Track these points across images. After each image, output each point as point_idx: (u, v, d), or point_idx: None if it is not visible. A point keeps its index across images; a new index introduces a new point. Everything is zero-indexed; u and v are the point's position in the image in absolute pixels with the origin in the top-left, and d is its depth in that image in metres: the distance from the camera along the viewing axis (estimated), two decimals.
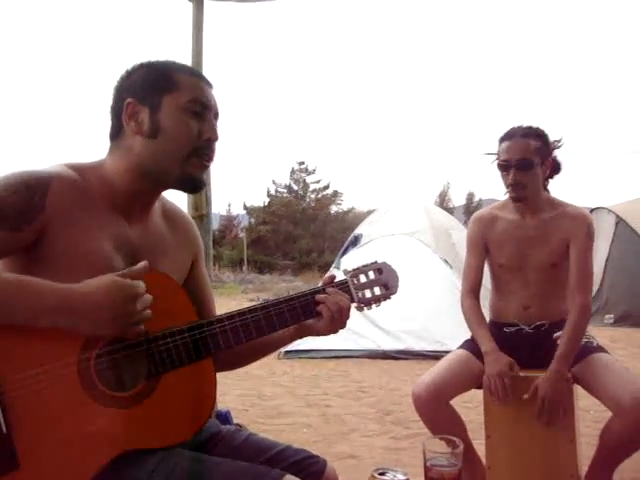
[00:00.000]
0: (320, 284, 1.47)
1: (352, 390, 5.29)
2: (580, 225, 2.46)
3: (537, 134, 2.47)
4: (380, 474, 1.09)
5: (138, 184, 1.35)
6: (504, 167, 2.45)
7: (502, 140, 2.49)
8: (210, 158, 1.39)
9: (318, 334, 1.44)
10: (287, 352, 7.14)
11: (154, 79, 1.35)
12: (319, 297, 1.40)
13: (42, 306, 1.15)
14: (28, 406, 1.15)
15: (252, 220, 39.43)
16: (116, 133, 1.37)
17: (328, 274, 1.51)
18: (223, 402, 3.83)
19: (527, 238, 2.49)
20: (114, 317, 1.16)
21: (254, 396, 5.11)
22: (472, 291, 2.59)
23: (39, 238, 1.23)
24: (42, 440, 1.16)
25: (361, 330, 7.10)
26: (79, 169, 1.32)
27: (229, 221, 41.05)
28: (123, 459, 1.19)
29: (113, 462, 1.19)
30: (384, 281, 1.46)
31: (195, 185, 1.38)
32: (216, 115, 1.41)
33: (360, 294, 1.44)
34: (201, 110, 1.35)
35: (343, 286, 1.43)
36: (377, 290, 1.46)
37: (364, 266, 1.47)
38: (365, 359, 6.79)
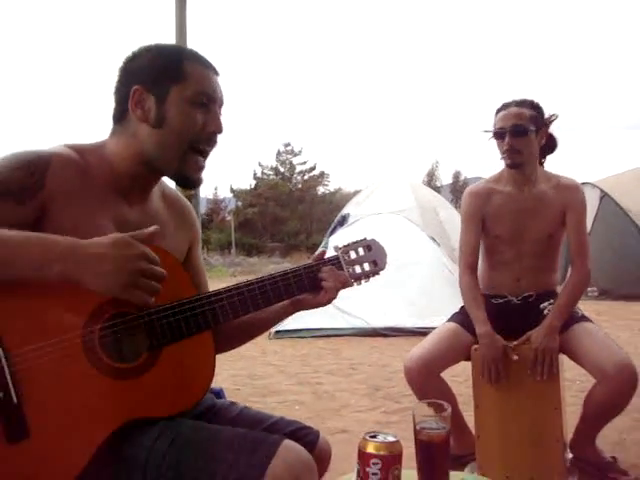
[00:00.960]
0: (310, 261, 1.50)
1: (343, 367, 5.35)
2: (575, 195, 2.53)
3: (532, 104, 2.53)
4: (371, 437, 1.13)
5: (139, 169, 1.37)
6: (499, 135, 2.49)
7: (497, 111, 2.55)
8: (209, 151, 1.41)
9: (316, 307, 1.47)
10: (277, 332, 7.19)
11: (162, 67, 1.35)
12: (323, 274, 1.43)
13: (49, 254, 1.16)
14: (36, 377, 1.18)
15: (239, 203, 39.35)
16: (120, 117, 1.38)
17: (317, 252, 1.55)
18: (215, 382, 3.85)
19: (525, 210, 2.53)
20: (118, 270, 1.15)
21: (245, 376, 5.15)
22: (470, 266, 2.60)
23: (40, 216, 1.25)
24: (51, 410, 1.20)
25: (350, 308, 7.16)
26: (79, 150, 1.34)
27: (216, 204, 40.94)
28: (128, 427, 1.23)
29: (119, 430, 1.22)
30: (373, 257, 1.51)
31: (192, 182, 1.40)
32: (221, 105, 1.41)
33: (351, 269, 1.48)
34: (207, 102, 1.36)
35: (335, 262, 1.47)
36: (367, 266, 1.50)
37: (354, 243, 1.51)
38: (355, 337, 6.85)
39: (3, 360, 1.16)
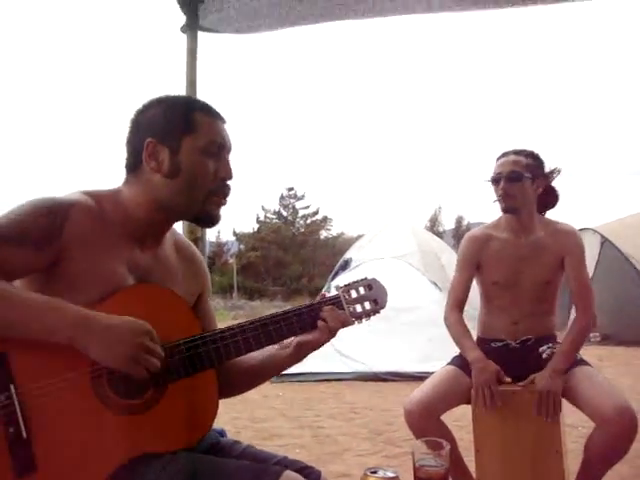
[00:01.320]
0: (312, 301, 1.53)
1: (344, 411, 5.33)
2: (573, 240, 2.59)
3: (529, 153, 2.62)
4: (372, 472, 1.16)
5: (154, 215, 1.43)
6: (495, 180, 2.57)
7: (497, 160, 2.64)
8: (226, 195, 1.47)
9: (317, 347, 1.48)
10: (279, 376, 7.15)
11: (173, 119, 1.41)
12: (323, 313, 1.46)
13: (63, 320, 1.23)
14: (45, 413, 1.23)
15: (242, 246, 39.42)
16: (134, 167, 1.44)
17: (320, 295, 1.56)
18: (216, 424, 3.86)
19: (521, 257, 2.58)
20: (122, 343, 1.23)
21: (246, 419, 5.14)
22: (457, 306, 2.67)
23: (57, 260, 1.30)
24: (58, 445, 1.23)
25: (352, 353, 7.15)
26: (96, 197, 1.40)
27: (219, 247, 40.98)
28: (133, 462, 1.27)
29: (123, 465, 1.26)
30: (374, 296, 1.53)
31: (213, 222, 1.47)
32: (229, 151, 1.48)
33: (352, 308, 1.51)
34: (218, 151, 1.43)
35: (336, 301, 1.50)
36: (367, 305, 1.52)
37: (355, 282, 1.54)
38: (356, 381, 6.83)
39: (14, 396, 1.21)
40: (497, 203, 2.60)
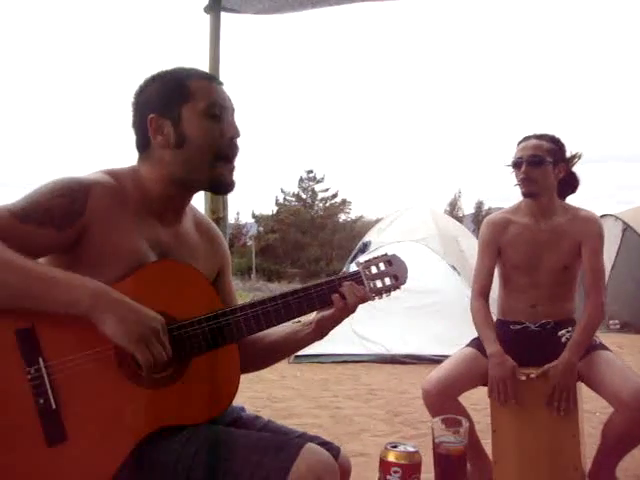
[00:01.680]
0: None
1: (361, 393, 5.36)
2: (592, 227, 2.57)
3: (552, 138, 2.61)
4: (392, 447, 1.19)
5: (170, 190, 1.45)
6: (517, 164, 2.57)
7: (518, 144, 2.63)
8: (235, 155, 1.48)
9: (337, 323, 1.50)
10: (297, 357, 7.21)
11: (169, 91, 1.43)
12: (342, 288, 1.46)
13: (84, 289, 1.25)
14: (73, 386, 1.27)
15: (260, 228, 39.56)
16: (144, 146, 1.47)
17: (341, 272, 1.58)
18: (235, 403, 3.92)
19: (541, 241, 2.58)
20: (139, 323, 1.25)
21: (265, 398, 5.19)
22: (483, 293, 2.66)
23: (79, 239, 1.33)
24: (86, 416, 1.28)
25: (370, 335, 7.18)
26: (115, 175, 1.42)
27: (238, 229, 41.13)
28: (157, 433, 1.31)
29: (149, 436, 1.30)
30: (394, 272, 1.53)
31: (226, 187, 1.48)
32: (233, 111, 1.49)
33: (372, 284, 1.51)
34: (219, 112, 1.44)
35: (356, 276, 1.50)
36: (387, 280, 1.53)
37: (375, 258, 1.55)
38: (374, 363, 6.86)
39: (43, 369, 1.25)
40: (517, 187, 2.60)
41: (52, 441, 1.25)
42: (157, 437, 1.30)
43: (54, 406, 1.25)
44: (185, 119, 1.41)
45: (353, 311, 1.48)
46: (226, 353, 1.39)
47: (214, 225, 1.67)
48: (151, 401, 1.31)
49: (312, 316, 1.56)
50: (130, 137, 1.50)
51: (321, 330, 1.52)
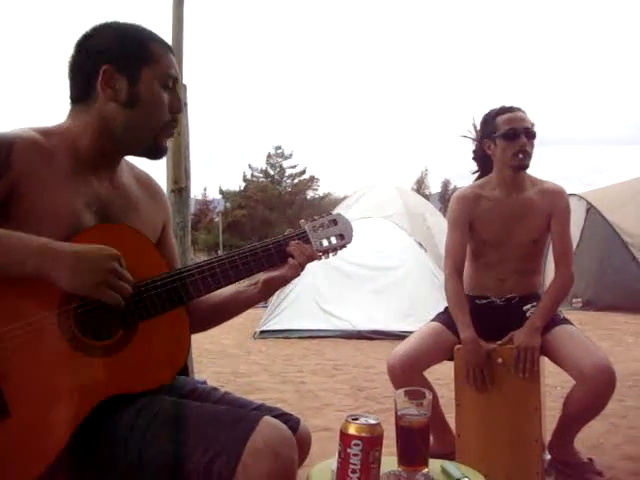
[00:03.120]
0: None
1: (326, 368, 5.37)
2: (560, 200, 2.57)
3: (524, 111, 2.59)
4: (353, 419, 1.16)
5: (105, 146, 1.38)
6: (511, 135, 2.49)
7: (499, 114, 2.55)
8: (174, 128, 1.46)
9: (285, 282, 1.48)
10: (262, 332, 7.21)
11: (132, 48, 1.36)
12: (289, 248, 1.44)
13: (26, 249, 1.18)
14: (14, 358, 1.20)
15: (228, 204, 39.35)
16: (83, 95, 1.37)
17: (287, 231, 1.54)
18: (198, 377, 3.88)
19: (511, 215, 2.55)
20: (93, 269, 1.20)
21: (229, 373, 5.16)
22: (457, 271, 2.60)
23: (7, 198, 1.25)
24: (30, 389, 1.21)
25: (336, 311, 7.20)
26: (42, 131, 1.34)
27: (205, 205, 40.87)
28: (109, 404, 1.25)
29: (100, 407, 1.24)
30: (339, 231, 1.51)
31: (162, 154, 1.45)
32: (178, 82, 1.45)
33: (318, 243, 1.49)
34: (172, 84, 1.41)
35: (302, 235, 1.48)
36: (333, 240, 1.51)
37: (320, 217, 1.53)
38: (340, 339, 6.88)
39: None
40: (502, 159, 2.53)
41: None
42: (108, 409, 1.25)
43: None
44: (144, 81, 1.36)
45: (301, 270, 1.46)
46: (175, 316, 1.33)
47: (155, 180, 1.61)
48: (98, 370, 1.25)
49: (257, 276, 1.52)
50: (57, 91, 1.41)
51: (268, 289, 1.49)
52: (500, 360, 2.42)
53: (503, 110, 2.56)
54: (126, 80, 1.35)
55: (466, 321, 2.48)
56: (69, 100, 1.41)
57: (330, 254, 1.52)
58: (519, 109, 2.57)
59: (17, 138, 1.28)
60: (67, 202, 1.30)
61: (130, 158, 1.50)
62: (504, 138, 2.51)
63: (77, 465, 1.24)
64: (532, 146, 2.51)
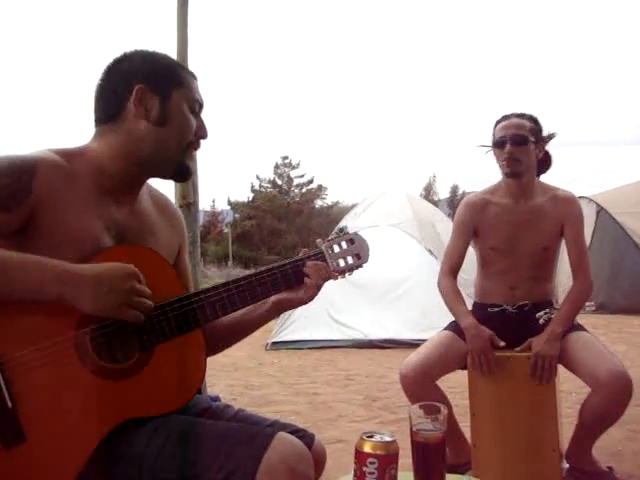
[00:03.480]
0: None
1: (339, 378, 5.34)
2: (572, 207, 2.56)
3: (530, 117, 2.57)
4: (368, 437, 1.14)
5: (130, 168, 1.39)
6: (499, 143, 2.51)
7: (497, 123, 2.58)
8: (196, 149, 1.49)
9: (300, 304, 1.48)
10: (274, 343, 7.19)
11: (164, 71, 1.42)
12: (306, 268, 1.44)
13: (46, 275, 1.19)
14: (30, 381, 1.19)
15: (236, 215, 39.40)
16: (112, 116, 1.40)
17: (302, 251, 1.52)
18: (211, 392, 3.87)
19: (520, 222, 2.54)
20: (114, 290, 1.20)
21: (242, 386, 5.15)
22: (452, 272, 2.63)
23: (28, 221, 1.25)
24: (46, 413, 1.20)
25: (347, 320, 7.17)
26: (64, 154, 1.34)
27: (213, 217, 40.97)
28: (123, 426, 1.24)
29: (115, 429, 1.23)
30: (356, 250, 1.50)
31: (188, 174, 1.47)
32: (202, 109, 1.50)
33: (335, 263, 1.48)
34: (198, 110, 1.46)
35: (319, 256, 1.47)
36: (350, 259, 1.50)
37: (337, 237, 1.51)
38: (352, 349, 6.85)
39: None
40: (499, 168, 2.55)
41: (9, 442, 1.17)
42: (123, 430, 1.25)
43: (10, 405, 1.17)
44: (174, 102, 1.40)
45: (317, 292, 1.46)
46: (191, 339, 1.33)
47: (171, 202, 1.63)
48: (115, 393, 1.24)
49: None
50: (82, 116, 1.44)
51: (278, 310, 1.50)
52: (503, 343, 2.42)
53: (501, 119, 2.57)
54: (158, 99, 1.39)
55: (464, 311, 2.51)
56: (94, 123, 1.43)
57: (347, 274, 1.51)
58: (519, 115, 2.55)
59: (39, 161, 1.28)
60: (86, 224, 1.31)
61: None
62: (494, 146, 2.54)
63: None
64: (525, 152, 2.48)
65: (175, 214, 1.60)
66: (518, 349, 2.43)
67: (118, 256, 1.31)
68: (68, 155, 1.35)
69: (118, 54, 1.44)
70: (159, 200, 1.55)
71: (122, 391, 1.25)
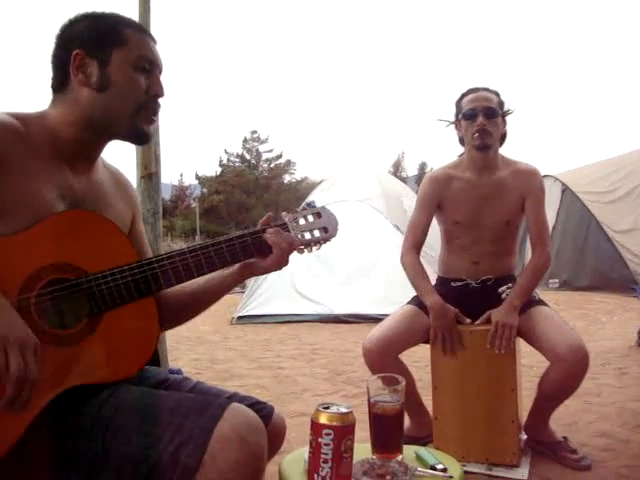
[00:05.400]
0: (259, 226, 1.46)
1: (304, 352, 5.36)
2: (534, 180, 2.56)
3: (495, 92, 2.58)
4: (324, 408, 1.13)
5: (84, 135, 1.35)
6: (470, 116, 2.50)
7: (464, 95, 2.57)
8: (156, 113, 1.41)
9: (264, 272, 1.44)
10: (240, 317, 7.18)
11: (103, 32, 1.34)
12: (268, 235, 1.40)
13: None
14: None
15: (204, 190, 39.05)
16: (60, 84, 1.36)
17: (264, 218, 1.47)
18: (175, 366, 3.85)
19: (484, 196, 2.55)
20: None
21: (207, 360, 5.13)
22: (415, 247, 2.62)
23: None
24: None
25: (312, 295, 7.18)
26: (22, 118, 1.30)
27: (181, 191, 40.56)
28: (72, 395, 1.21)
29: (62, 398, 1.20)
30: (323, 224, 1.47)
31: (142, 137, 1.41)
32: (160, 71, 1.43)
33: (300, 235, 1.45)
34: (149, 67, 1.37)
35: (282, 226, 1.44)
36: (317, 233, 1.47)
37: (303, 209, 1.48)
38: (317, 323, 6.88)
39: None
40: (467, 140, 2.54)
41: None
42: (71, 400, 1.21)
43: None
44: (114, 63, 1.34)
45: (285, 261, 1.42)
46: (142, 308, 1.30)
47: (122, 173, 1.58)
48: (59, 359, 1.20)
49: None
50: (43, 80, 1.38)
51: (243, 274, 1.45)
52: (468, 320, 2.46)
53: (468, 91, 2.57)
54: (97, 63, 1.33)
55: (429, 287, 2.52)
56: (50, 90, 1.39)
57: (313, 247, 1.47)
58: (486, 89, 2.56)
59: None
60: (40, 191, 1.26)
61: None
62: (465, 118, 2.53)
63: (39, 458, 1.20)
64: (495, 125, 2.49)
65: (127, 185, 1.56)
66: (478, 322, 2.45)
67: (69, 220, 1.27)
68: (25, 120, 1.30)
69: (66, 20, 1.38)
70: (112, 172, 1.52)
71: (67, 358, 1.21)
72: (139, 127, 1.38)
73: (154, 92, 1.38)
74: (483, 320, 2.45)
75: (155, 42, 1.43)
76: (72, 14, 1.39)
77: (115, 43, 1.34)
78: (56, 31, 1.38)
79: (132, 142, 1.44)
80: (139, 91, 1.36)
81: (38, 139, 1.30)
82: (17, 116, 1.30)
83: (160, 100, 1.42)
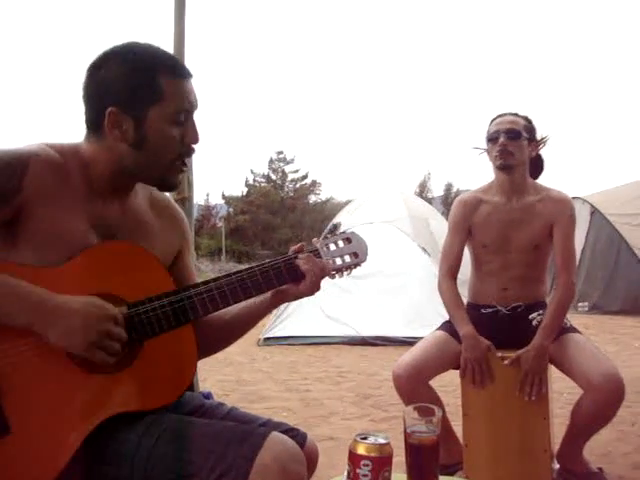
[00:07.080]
0: (290, 252, 1.47)
1: (331, 375, 5.34)
2: (564, 208, 2.55)
3: (525, 117, 2.60)
4: (362, 438, 1.14)
5: (116, 177, 1.37)
6: (493, 138, 2.53)
7: (492, 121, 2.60)
8: (189, 158, 1.43)
9: (297, 298, 1.46)
10: (266, 339, 7.19)
11: (138, 87, 1.31)
12: (300, 262, 1.41)
13: (21, 304, 1.18)
14: (16, 374, 1.18)
15: (230, 210, 39.31)
16: (95, 128, 1.35)
17: (297, 246, 1.49)
18: (203, 387, 3.86)
19: (512, 220, 2.54)
20: (86, 328, 1.19)
21: (234, 382, 5.14)
22: (451, 273, 2.63)
23: (17, 216, 1.24)
24: (31, 406, 1.19)
25: (339, 316, 7.17)
26: (59, 149, 1.32)
27: (207, 211, 40.84)
28: (113, 423, 1.23)
29: (103, 426, 1.22)
30: (353, 249, 1.49)
31: (172, 188, 1.43)
32: (195, 111, 1.40)
33: (331, 261, 1.46)
34: (184, 118, 1.35)
35: (314, 253, 1.45)
36: (347, 258, 1.48)
37: (333, 235, 1.50)
38: (344, 345, 6.85)
39: None
40: (491, 164, 2.57)
41: None
42: (114, 428, 1.23)
43: None
44: (150, 120, 1.32)
45: (317, 288, 1.43)
46: (181, 335, 1.32)
47: (174, 204, 1.58)
48: (102, 388, 1.23)
49: None
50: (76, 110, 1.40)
51: (278, 301, 1.47)
52: (499, 354, 2.42)
53: (496, 117, 2.60)
54: (132, 121, 1.31)
55: (464, 317, 2.50)
56: (85, 124, 1.39)
57: (344, 273, 1.49)
58: (514, 114, 2.58)
59: (32, 157, 1.26)
60: (72, 221, 1.29)
61: None
62: (488, 141, 2.56)
63: None
64: (518, 147, 2.50)
65: (176, 215, 1.55)
66: (506, 362, 2.41)
67: (103, 252, 1.30)
68: (62, 151, 1.32)
69: (99, 52, 1.35)
70: (159, 200, 1.52)
71: (109, 386, 1.24)
72: (169, 179, 1.39)
73: (189, 141, 1.37)
74: (512, 360, 2.40)
75: (190, 77, 1.38)
76: (105, 44, 1.35)
77: (150, 99, 1.31)
78: (89, 64, 1.35)
79: (160, 190, 1.46)
80: (174, 146, 1.35)
81: (72, 171, 1.32)
82: (54, 147, 1.32)
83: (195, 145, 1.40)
